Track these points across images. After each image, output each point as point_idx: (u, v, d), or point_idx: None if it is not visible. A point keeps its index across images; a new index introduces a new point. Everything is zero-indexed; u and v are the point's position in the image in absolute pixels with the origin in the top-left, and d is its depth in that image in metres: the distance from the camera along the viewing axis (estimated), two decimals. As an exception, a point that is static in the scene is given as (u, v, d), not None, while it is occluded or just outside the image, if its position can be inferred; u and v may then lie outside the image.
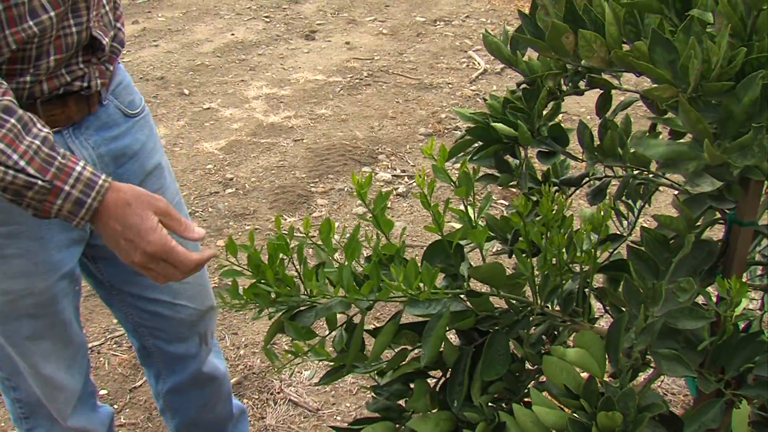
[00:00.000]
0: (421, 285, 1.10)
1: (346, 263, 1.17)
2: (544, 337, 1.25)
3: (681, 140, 0.83)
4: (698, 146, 0.79)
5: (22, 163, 1.06)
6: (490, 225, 1.33)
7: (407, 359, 1.25)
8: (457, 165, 1.22)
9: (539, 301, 1.20)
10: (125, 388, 2.42)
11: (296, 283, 1.20)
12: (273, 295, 1.16)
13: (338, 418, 2.22)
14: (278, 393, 2.28)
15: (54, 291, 1.37)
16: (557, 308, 1.23)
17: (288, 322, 1.17)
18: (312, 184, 3.72)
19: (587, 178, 1.26)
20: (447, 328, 1.18)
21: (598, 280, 1.27)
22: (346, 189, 3.66)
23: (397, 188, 3.66)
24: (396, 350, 1.25)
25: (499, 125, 1.13)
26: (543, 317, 1.23)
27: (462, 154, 1.21)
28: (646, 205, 1.24)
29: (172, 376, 1.71)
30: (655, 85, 0.78)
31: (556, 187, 1.31)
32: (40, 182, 1.07)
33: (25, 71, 1.19)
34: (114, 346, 2.61)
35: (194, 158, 4.01)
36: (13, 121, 1.07)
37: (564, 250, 1.12)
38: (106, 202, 1.12)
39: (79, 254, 1.41)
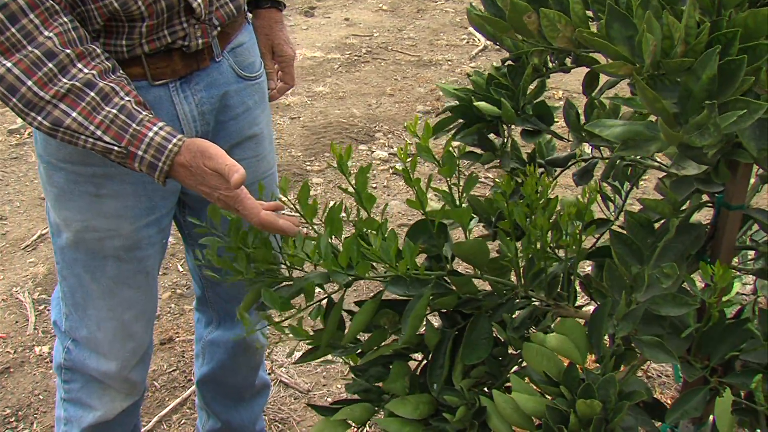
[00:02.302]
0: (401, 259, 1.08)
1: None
2: (528, 320, 1.22)
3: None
4: (656, 126, 0.76)
5: (98, 132, 1.17)
6: (473, 206, 1.30)
7: (389, 341, 1.22)
8: (443, 142, 1.19)
9: (523, 285, 1.18)
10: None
11: (277, 256, 1.18)
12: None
13: (329, 399, 2.20)
14: (269, 374, 2.27)
15: (139, 236, 1.43)
16: (542, 293, 1.20)
17: (265, 289, 1.15)
18: (308, 163, 3.69)
19: (574, 159, 1.23)
20: (428, 309, 1.16)
21: (586, 266, 1.25)
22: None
23: (394, 166, 3.62)
24: (374, 331, 1.23)
25: (482, 104, 1.10)
26: (527, 301, 1.20)
27: (446, 130, 1.18)
28: (634, 188, 1.21)
29: (218, 330, 1.78)
30: (610, 62, 0.75)
31: (542, 168, 1.28)
32: (116, 148, 1.19)
33: (120, 36, 1.26)
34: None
35: (190, 136, 3.97)
36: (92, 94, 1.17)
37: (547, 232, 1.09)
38: (176, 164, 1.19)
39: (172, 204, 1.47)
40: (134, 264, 1.45)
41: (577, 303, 1.26)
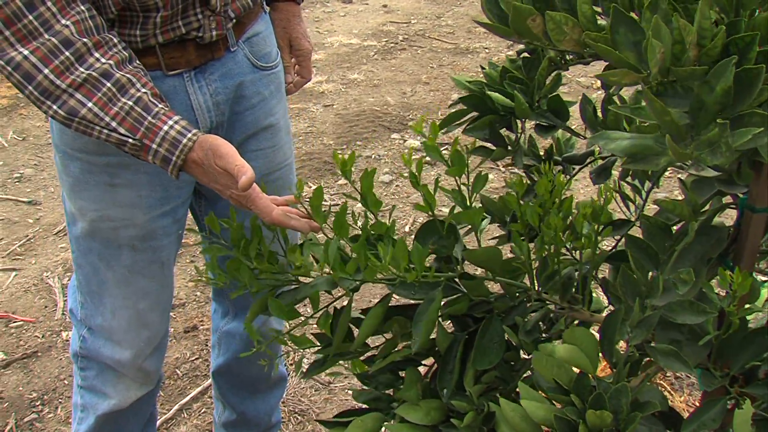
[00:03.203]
0: (411, 266, 1.04)
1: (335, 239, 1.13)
2: (541, 324, 1.18)
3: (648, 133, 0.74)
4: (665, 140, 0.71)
5: (113, 123, 1.16)
6: (486, 206, 1.26)
7: (399, 347, 1.19)
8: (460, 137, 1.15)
9: (536, 287, 1.14)
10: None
11: (282, 261, 1.16)
12: (255, 271, 1.12)
13: (349, 392, 2.18)
14: (290, 365, 2.25)
15: (154, 226, 1.42)
16: (556, 296, 1.16)
17: (271, 299, 1.13)
18: (339, 151, 3.66)
19: (592, 157, 1.18)
20: (439, 314, 1.13)
21: (606, 269, 1.20)
22: (373, 156, 3.60)
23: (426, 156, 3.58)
24: (387, 338, 1.20)
25: (495, 94, 1.06)
26: (541, 304, 1.16)
27: (457, 123, 1.14)
28: (655, 188, 1.16)
29: (235, 321, 1.78)
30: (613, 70, 0.70)
31: (560, 166, 1.24)
32: (131, 140, 1.17)
33: (134, 26, 1.25)
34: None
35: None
36: (109, 85, 1.15)
37: (561, 234, 1.05)
38: (189, 159, 1.19)
39: (187, 194, 1.46)
40: (149, 254, 1.45)
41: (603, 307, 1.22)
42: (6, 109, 4.15)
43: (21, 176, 3.53)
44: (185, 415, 2.18)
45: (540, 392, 1.04)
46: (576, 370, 1.02)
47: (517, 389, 1.16)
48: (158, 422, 2.12)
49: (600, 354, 1.02)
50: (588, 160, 1.18)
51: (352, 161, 1.09)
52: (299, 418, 2.12)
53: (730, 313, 0.96)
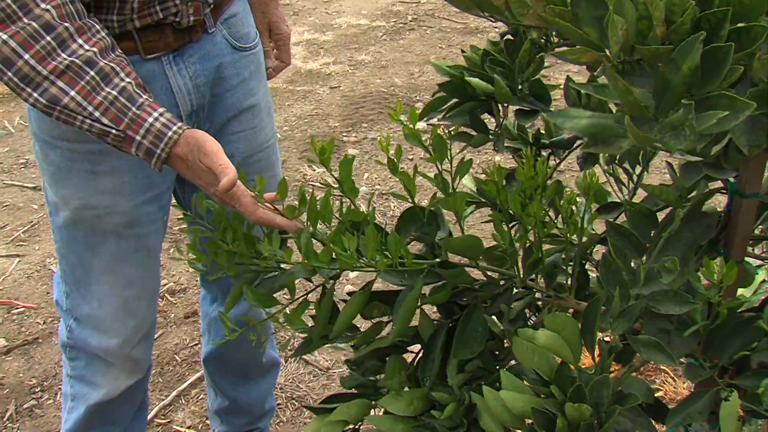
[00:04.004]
0: (386, 254, 1.02)
1: (310, 228, 1.10)
2: (527, 311, 1.15)
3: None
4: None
5: (97, 114, 1.13)
6: (478, 188, 1.23)
7: (385, 333, 1.17)
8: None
9: (520, 274, 1.10)
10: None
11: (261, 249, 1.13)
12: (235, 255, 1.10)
13: (349, 377, 2.16)
14: (290, 350, 2.24)
15: (138, 213, 1.40)
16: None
17: (246, 286, 1.11)
18: (345, 134, 3.63)
19: (580, 140, 1.14)
20: (419, 302, 1.10)
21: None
22: (378, 138, 3.56)
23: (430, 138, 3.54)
24: (372, 323, 1.18)
25: (474, 80, 1.02)
26: (527, 291, 1.13)
27: (438, 110, 1.11)
28: (645, 173, 1.12)
29: (223, 307, 1.73)
30: (571, 48, 0.66)
31: (550, 150, 1.20)
32: (114, 131, 1.14)
33: (111, 11, 1.23)
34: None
35: (229, 106, 3.95)
36: (92, 73, 1.12)
37: (541, 222, 1.02)
38: (174, 153, 1.16)
39: (171, 180, 1.44)
40: (134, 241, 1.43)
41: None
42: (12, 95, 4.15)
43: (26, 162, 3.53)
44: (183, 402, 2.17)
45: (525, 382, 1.01)
46: (559, 359, 0.99)
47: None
48: (156, 408, 2.12)
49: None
50: (576, 144, 1.14)
51: (331, 149, 1.06)
52: (297, 403, 2.10)
53: (719, 303, 0.92)
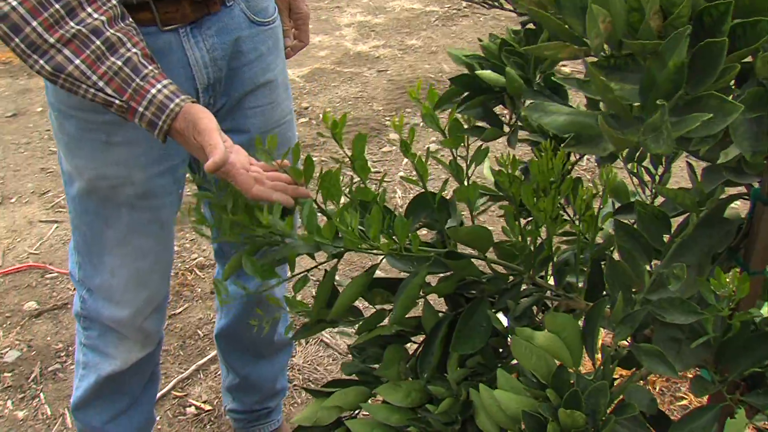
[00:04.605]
0: (393, 237, 0.99)
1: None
2: (535, 309, 1.11)
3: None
4: (611, 119, 0.63)
5: (101, 83, 1.13)
6: (497, 183, 1.19)
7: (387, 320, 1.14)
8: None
9: (530, 271, 1.07)
10: (166, 313, 2.42)
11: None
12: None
13: (369, 363, 2.14)
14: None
15: (152, 185, 1.39)
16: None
17: (246, 256, 1.08)
18: (387, 118, 3.60)
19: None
20: (421, 292, 1.07)
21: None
22: (421, 124, 3.52)
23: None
24: (376, 309, 1.15)
25: (486, 72, 0.99)
26: (536, 288, 1.09)
27: (452, 102, 1.07)
28: (668, 174, 1.07)
29: (234, 283, 1.75)
30: (550, 42, 0.61)
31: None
32: (117, 101, 1.14)
33: None
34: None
35: (275, 84, 3.95)
36: (98, 42, 1.12)
37: (553, 217, 0.98)
38: (174, 127, 1.16)
39: (185, 154, 1.43)
40: (148, 213, 1.42)
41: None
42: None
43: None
44: (201, 376, 2.17)
45: (522, 382, 0.98)
46: (557, 362, 0.95)
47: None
48: (174, 381, 2.13)
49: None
50: (596, 139, 1.09)
51: (344, 123, 1.04)
52: (313, 386, 2.09)
53: (728, 316, 0.87)
